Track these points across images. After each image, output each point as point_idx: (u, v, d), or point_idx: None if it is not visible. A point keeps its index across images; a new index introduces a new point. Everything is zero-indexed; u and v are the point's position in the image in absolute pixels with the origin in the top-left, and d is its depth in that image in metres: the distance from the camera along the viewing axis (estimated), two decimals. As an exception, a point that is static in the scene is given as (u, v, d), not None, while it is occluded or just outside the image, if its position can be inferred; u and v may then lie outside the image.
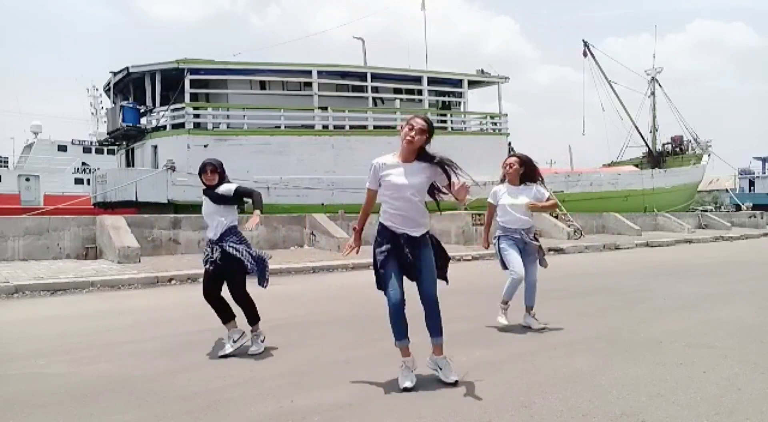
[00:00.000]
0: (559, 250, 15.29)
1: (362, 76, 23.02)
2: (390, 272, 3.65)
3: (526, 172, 5.49)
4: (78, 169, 38.37)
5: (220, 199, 4.71)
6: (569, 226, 19.02)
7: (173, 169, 19.16)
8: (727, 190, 44.92)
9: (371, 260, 3.84)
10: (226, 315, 4.73)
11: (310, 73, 21.82)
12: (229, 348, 4.56)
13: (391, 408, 3.32)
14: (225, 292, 4.78)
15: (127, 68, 20.74)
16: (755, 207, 36.01)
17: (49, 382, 3.88)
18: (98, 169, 26.38)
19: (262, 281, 4.77)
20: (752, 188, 58.17)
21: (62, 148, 39.58)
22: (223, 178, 4.79)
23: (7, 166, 38.74)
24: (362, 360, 4.29)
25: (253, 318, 4.76)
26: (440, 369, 3.73)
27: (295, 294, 7.89)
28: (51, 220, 11.86)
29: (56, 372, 4.13)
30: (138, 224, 12.41)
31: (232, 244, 4.66)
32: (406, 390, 3.54)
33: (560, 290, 8.16)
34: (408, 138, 3.63)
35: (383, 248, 3.67)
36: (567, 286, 8.60)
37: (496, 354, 4.56)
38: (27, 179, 35.18)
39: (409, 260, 3.65)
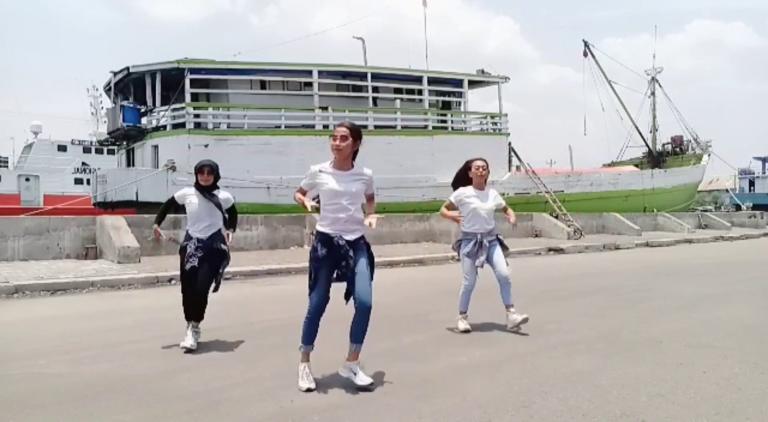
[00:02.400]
0: (559, 250, 15.29)
1: (363, 76, 23.01)
2: (320, 278, 3.71)
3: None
4: (78, 169, 38.35)
5: (218, 205, 4.99)
6: (569, 226, 19.02)
7: (173, 168, 19.16)
8: (727, 190, 44.90)
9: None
10: (202, 315, 4.91)
11: (310, 72, 21.81)
12: (193, 342, 4.74)
13: (391, 408, 3.32)
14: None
15: (127, 68, 20.71)
16: (755, 207, 35.99)
17: (49, 382, 3.88)
18: (98, 168, 26.36)
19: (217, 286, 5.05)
20: (752, 188, 58.12)
21: (62, 148, 39.56)
22: (217, 180, 5.08)
23: (7, 166, 38.71)
24: (362, 361, 4.29)
25: (193, 313, 4.89)
26: (355, 374, 3.72)
27: (295, 294, 7.88)
28: (51, 220, 11.86)
29: (56, 372, 4.13)
30: (138, 224, 12.40)
31: (221, 244, 4.98)
32: (309, 390, 3.59)
33: (560, 290, 8.16)
34: (335, 147, 3.78)
35: (319, 253, 3.71)
36: (567, 286, 8.59)
37: (496, 354, 4.56)
38: (27, 179, 35.16)
39: (343, 264, 3.70)
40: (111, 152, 32.66)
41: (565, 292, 7.98)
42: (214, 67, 21.11)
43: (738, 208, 38.67)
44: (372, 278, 3.82)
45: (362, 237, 3.86)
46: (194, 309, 4.88)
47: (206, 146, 19.56)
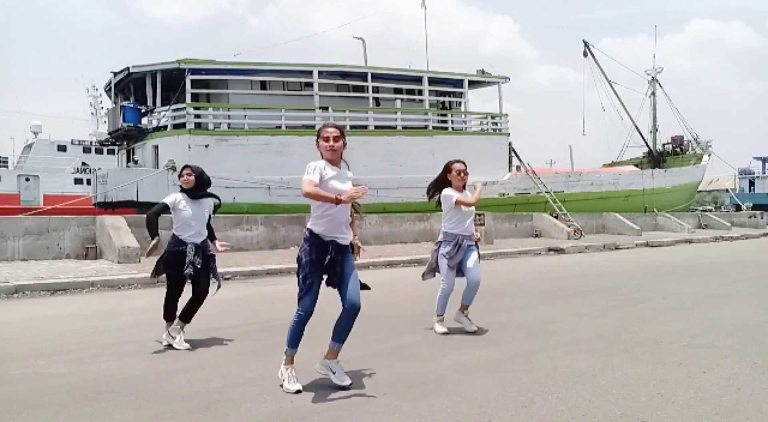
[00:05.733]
0: (559, 250, 15.29)
1: (363, 76, 22.99)
2: (313, 283, 3.71)
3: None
4: (78, 169, 38.36)
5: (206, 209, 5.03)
6: (569, 226, 19.02)
7: (174, 169, 19.14)
8: (727, 190, 44.90)
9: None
10: (173, 315, 4.97)
11: (310, 73, 21.80)
12: (173, 340, 4.84)
13: (391, 408, 3.32)
14: None
15: (127, 68, 20.70)
16: (755, 207, 36.00)
17: (49, 382, 3.88)
18: (99, 169, 26.35)
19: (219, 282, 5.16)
20: (752, 188, 58.16)
21: (62, 148, 39.54)
22: (202, 184, 5.02)
23: (7, 166, 38.72)
24: (362, 360, 4.30)
25: (191, 315, 4.95)
26: (334, 373, 3.74)
27: (294, 295, 7.88)
28: (51, 220, 11.86)
29: (56, 372, 4.13)
30: (138, 224, 12.37)
31: (210, 249, 5.05)
32: (298, 392, 3.56)
33: (560, 290, 8.17)
34: (329, 148, 3.71)
35: (311, 257, 3.69)
36: (567, 286, 8.59)
37: (496, 354, 4.56)
38: (27, 179, 35.15)
39: (335, 268, 3.71)
40: (111, 152, 32.64)
41: (565, 292, 7.98)
42: (215, 68, 21.10)
43: (738, 208, 38.68)
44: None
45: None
46: (172, 311, 4.96)
47: (206, 146, 19.56)
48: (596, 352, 4.56)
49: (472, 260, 5.38)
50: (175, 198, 4.97)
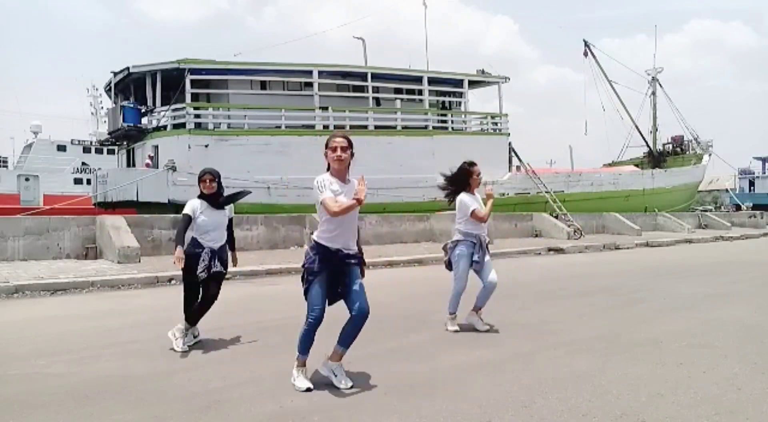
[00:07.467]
0: (559, 250, 15.29)
1: (363, 76, 22.99)
2: (319, 290, 3.70)
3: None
4: (78, 168, 38.36)
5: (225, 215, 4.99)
6: (569, 226, 19.01)
7: (174, 169, 19.15)
8: (727, 190, 44.90)
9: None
10: (194, 319, 4.93)
11: (310, 73, 21.81)
12: (188, 343, 4.82)
13: (391, 408, 3.32)
14: None
15: (127, 68, 20.70)
16: (755, 207, 36.02)
17: (49, 382, 3.88)
18: (99, 169, 26.35)
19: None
20: (752, 188, 58.12)
21: (62, 148, 39.55)
22: (221, 188, 5.00)
23: (7, 166, 38.73)
24: (362, 360, 4.30)
25: (198, 317, 4.94)
26: (335, 375, 3.76)
27: (295, 295, 7.87)
28: (51, 220, 11.85)
29: (56, 372, 4.13)
30: (138, 224, 12.40)
31: (226, 257, 5.02)
32: (308, 390, 3.62)
33: (560, 290, 8.17)
34: (336, 158, 3.69)
35: (316, 265, 3.69)
36: (567, 286, 8.60)
37: (496, 354, 4.57)
38: (26, 179, 35.11)
39: (342, 278, 3.74)
40: (111, 152, 32.63)
41: (565, 292, 7.98)
42: (215, 68, 21.10)
43: (738, 207, 38.67)
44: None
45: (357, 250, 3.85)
46: (197, 315, 4.90)
47: (206, 146, 19.56)
48: (596, 352, 4.57)
49: (488, 263, 5.49)
50: (194, 206, 4.93)
